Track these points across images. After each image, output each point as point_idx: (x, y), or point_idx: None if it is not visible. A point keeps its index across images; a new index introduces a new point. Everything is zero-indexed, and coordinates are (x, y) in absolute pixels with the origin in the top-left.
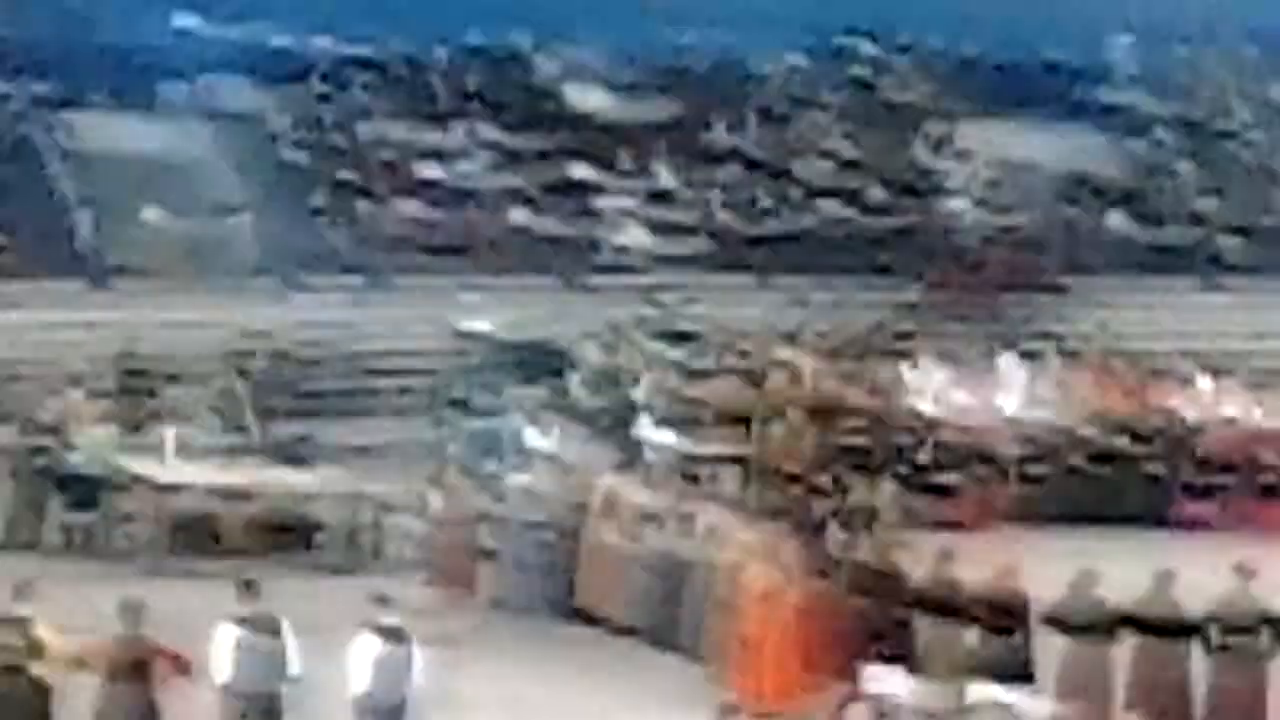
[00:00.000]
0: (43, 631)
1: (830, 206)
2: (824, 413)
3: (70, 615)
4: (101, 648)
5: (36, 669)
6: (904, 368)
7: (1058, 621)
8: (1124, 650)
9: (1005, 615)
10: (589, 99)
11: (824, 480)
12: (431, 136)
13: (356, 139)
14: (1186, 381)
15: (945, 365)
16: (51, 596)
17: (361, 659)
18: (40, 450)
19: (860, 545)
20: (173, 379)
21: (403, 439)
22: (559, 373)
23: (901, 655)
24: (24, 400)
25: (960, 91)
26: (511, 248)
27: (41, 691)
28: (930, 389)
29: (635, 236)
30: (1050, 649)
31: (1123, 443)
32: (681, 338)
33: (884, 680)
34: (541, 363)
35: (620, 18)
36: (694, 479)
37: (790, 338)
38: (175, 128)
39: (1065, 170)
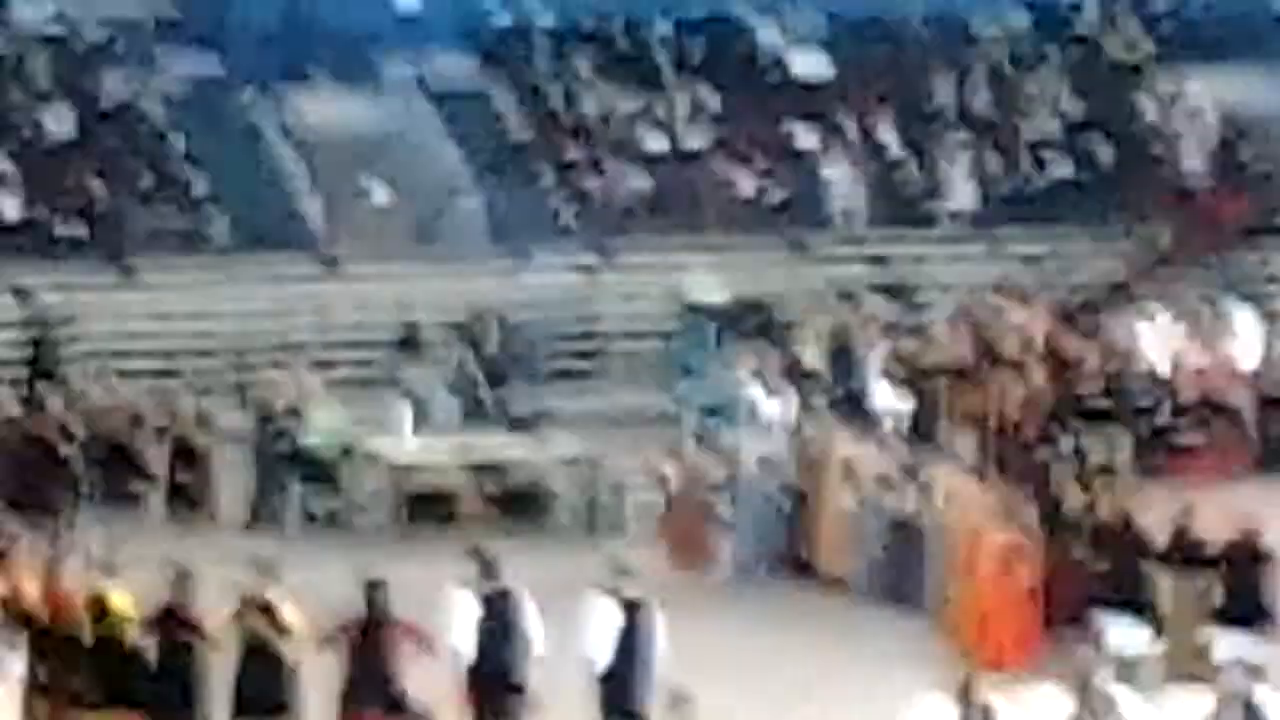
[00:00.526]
0: (286, 611)
1: (1059, 165)
2: (1059, 372)
3: (313, 594)
4: (344, 625)
5: (281, 647)
6: (1138, 323)
7: None
8: None
9: (1247, 567)
10: (810, 64)
11: (1062, 441)
12: (655, 108)
13: (580, 113)
14: None
15: (1179, 319)
16: (294, 576)
17: (601, 628)
18: (279, 434)
19: (1099, 504)
20: (406, 356)
21: (637, 409)
22: (787, 339)
23: (1142, 609)
24: (260, 383)
25: (1186, 44)
26: (737, 215)
27: (286, 669)
28: (1165, 344)
29: (859, 199)
30: None
31: None
32: (911, 300)
33: (1126, 635)
34: (770, 329)
35: None
36: (930, 443)
37: (1023, 297)
38: (400, 106)
39: None
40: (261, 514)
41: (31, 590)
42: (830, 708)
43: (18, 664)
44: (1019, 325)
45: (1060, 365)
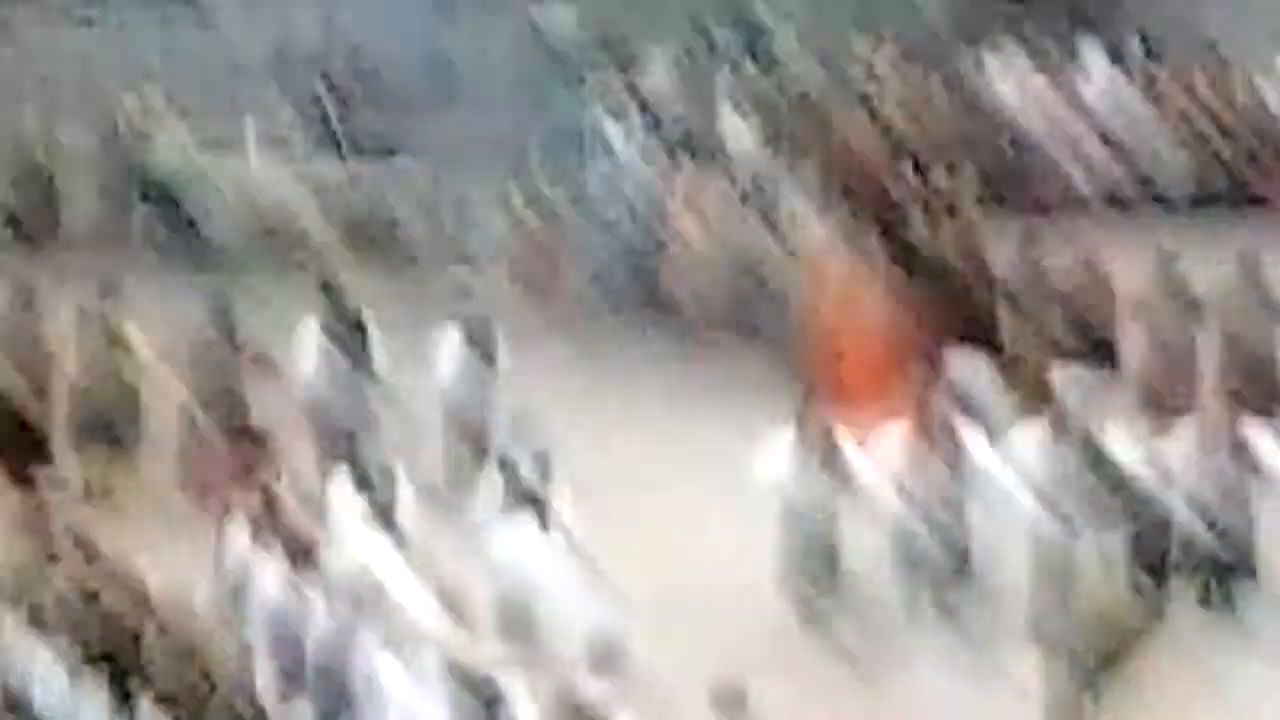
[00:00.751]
0: (131, 332)
1: None
2: (905, 103)
3: (159, 317)
4: (190, 348)
5: (123, 366)
6: (986, 57)
7: (1142, 306)
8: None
9: (1091, 301)
10: None
11: (904, 168)
12: None
13: None
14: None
15: (1026, 56)
16: (140, 299)
17: (446, 351)
18: (124, 154)
19: (945, 236)
20: (251, 75)
21: (484, 134)
22: (638, 69)
23: (986, 343)
24: (105, 102)
25: None
26: None
27: (128, 387)
28: (1011, 79)
29: None
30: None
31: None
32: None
33: (968, 369)
34: (622, 58)
35: None
36: (777, 170)
37: (870, 30)
38: None
39: None
40: (107, 236)
41: None
42: (672, 433)
43: None
44: (862, 56)
45: (904, 98)
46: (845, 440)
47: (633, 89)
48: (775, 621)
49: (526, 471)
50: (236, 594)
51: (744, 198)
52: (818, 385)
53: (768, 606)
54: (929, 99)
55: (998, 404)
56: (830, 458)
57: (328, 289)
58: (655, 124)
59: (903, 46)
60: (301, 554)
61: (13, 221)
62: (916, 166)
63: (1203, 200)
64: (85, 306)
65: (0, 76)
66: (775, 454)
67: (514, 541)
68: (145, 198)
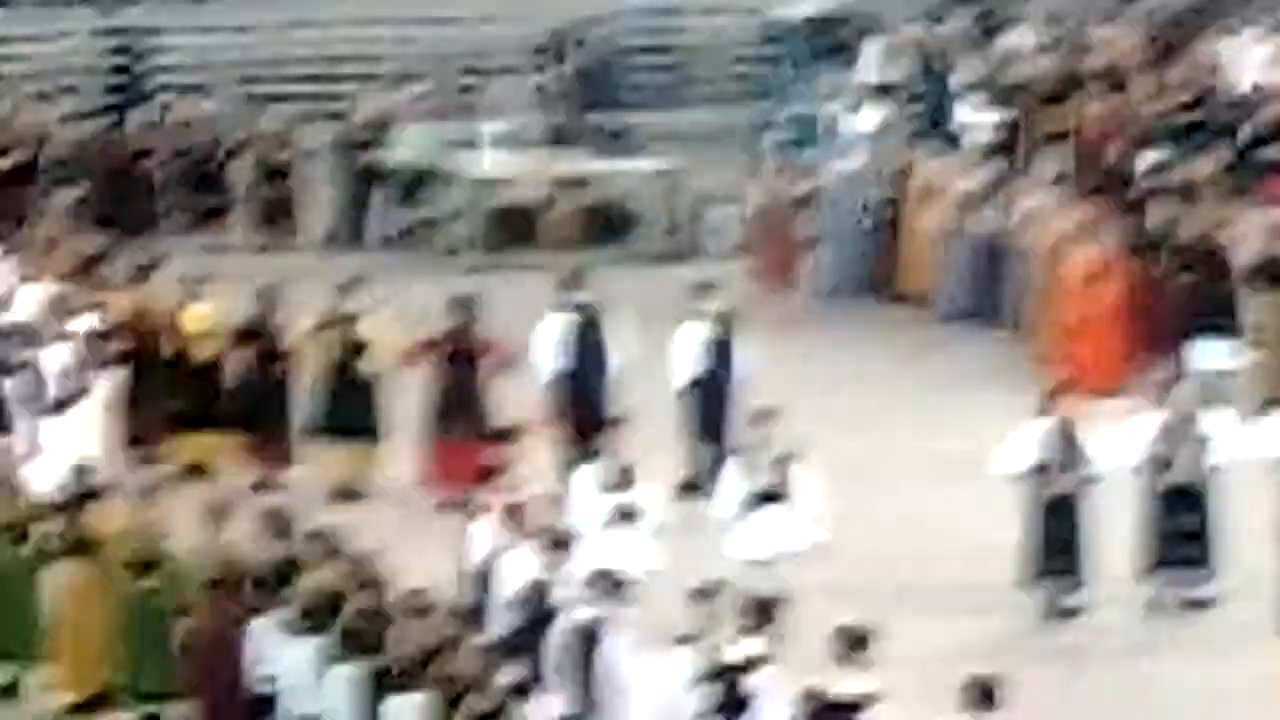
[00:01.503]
0: (369, 327)
1: None
2: (1145, 90)
3: (397, 311)
4: (428, 340)
5: (363, 364)
6: (1225, 41)
7: None
8: None
9: None
10: None
11: (1147, 159)
12: None
13: None
14: None
15: (1265, 38)
16: (378, 293)
17: (687, 346)
18: (362, 151)
19: (1184, 223)
20: (490, 72)
21: (719, 126)
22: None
23: (1228, 331)
24: (343, 99)
25: None
26: None
27: (369, 384)
28: (1251, 63)
29: None
30: None
31: None
32: (995, 16)
33: (1210, 355)
34: (855, 44)
35: None
36: (1013, 160)
37: (1109, 17)
38: None
39: None
40: (345, 232)
41: (121, 307)
42: (912, 425)
43: (108, 379)
44: (1106, 42)
45: (1146, 83)
46: (1088, 430)
47: (867, 73)
48: (1021, 615)
49: (769, 467)
50: (482, 591)
51: (982, 187)
52: (1058, 374)
53: (1013, 600)
54: (1170, 84)
55: (1239, 392)
56: (1073, 447)
57: (568, 285)
58: (892, 115)
59: (1144, 29)
60: (547, 551)
61: (255, 222)
62: (1154, 149)
63: None
64: (326, 306)
65: (239, 79)
66: (1017, 445)
67: (757, 537)
68: (384, 197)
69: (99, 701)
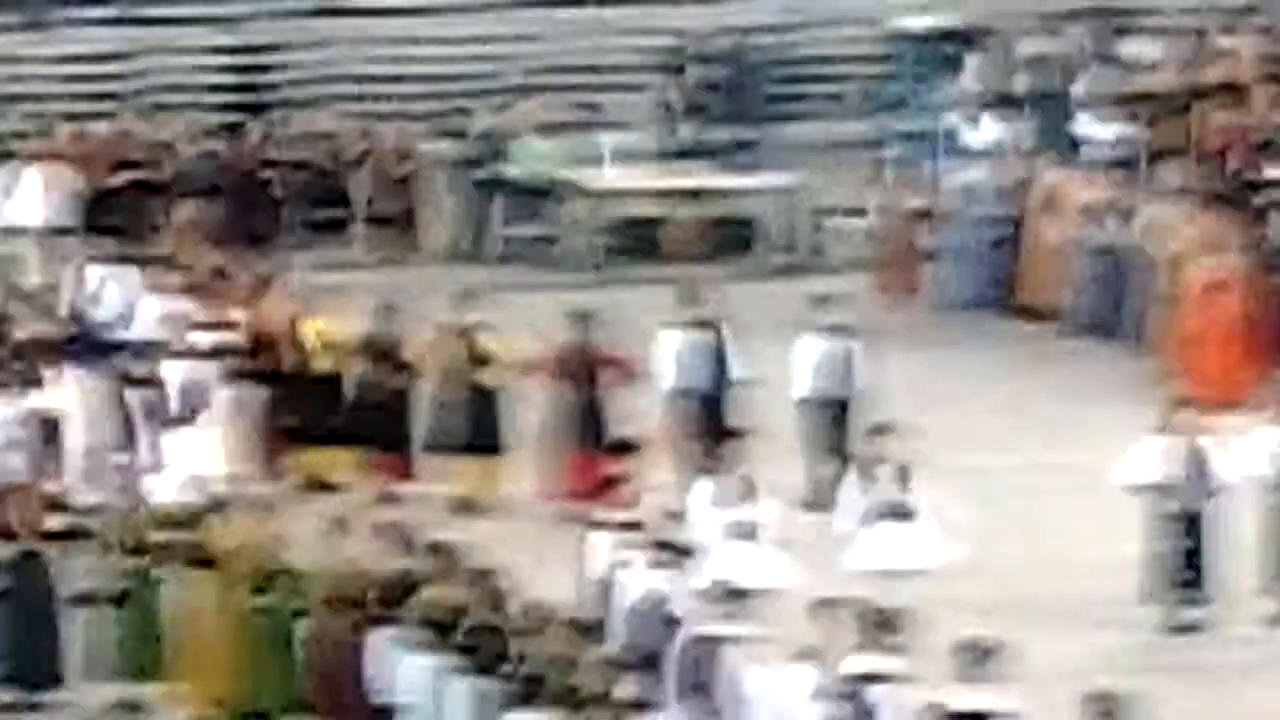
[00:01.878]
0: (489, 339)
1: None
2: (1268, 100)
3: (518, 324)
4: (549, 354)
5: (483, 375)
6: None
7: None
8: None
9: None
10: None
11: (1270, 170)
12: None
13: None
14: None
15: None
16: (498, 306)
17: (805, 359)
18: (482, 163)
19: None
20: (609, 86)
21: (840, 139)
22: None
23: None
24: (462, 112)
25: None
26: None
27: (490, 398)
28: None
29: None
30: None
31: None
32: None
33: None
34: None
35: None
36: (1135, 172)
37: (1229, 28)
38: None
39: None
40: (465, 245)
41: (241, 321)
42: (1036, 438)
43: (229, 392)
44: (1228, 53)
45: (1268, 92)
46: (1211, 443)
47: (988, 85)
48: (1145, 629)
49: (889, 480)
50: (602, 604)
51: (1104, 199)
52: (1181, 387)
53: (1137, 614)
54: None
55: None
56: (1196, 461)
57: (689, 299)
58: (1013, 126)
59: (1266, 40)
60: (667, 564)
61: (375, 235)
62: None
63: None
64: (446, 318)
65: (359, 93)
66: (1140, 459)
67: (879, 551)
68: (505, 210)
69: (218, 715)
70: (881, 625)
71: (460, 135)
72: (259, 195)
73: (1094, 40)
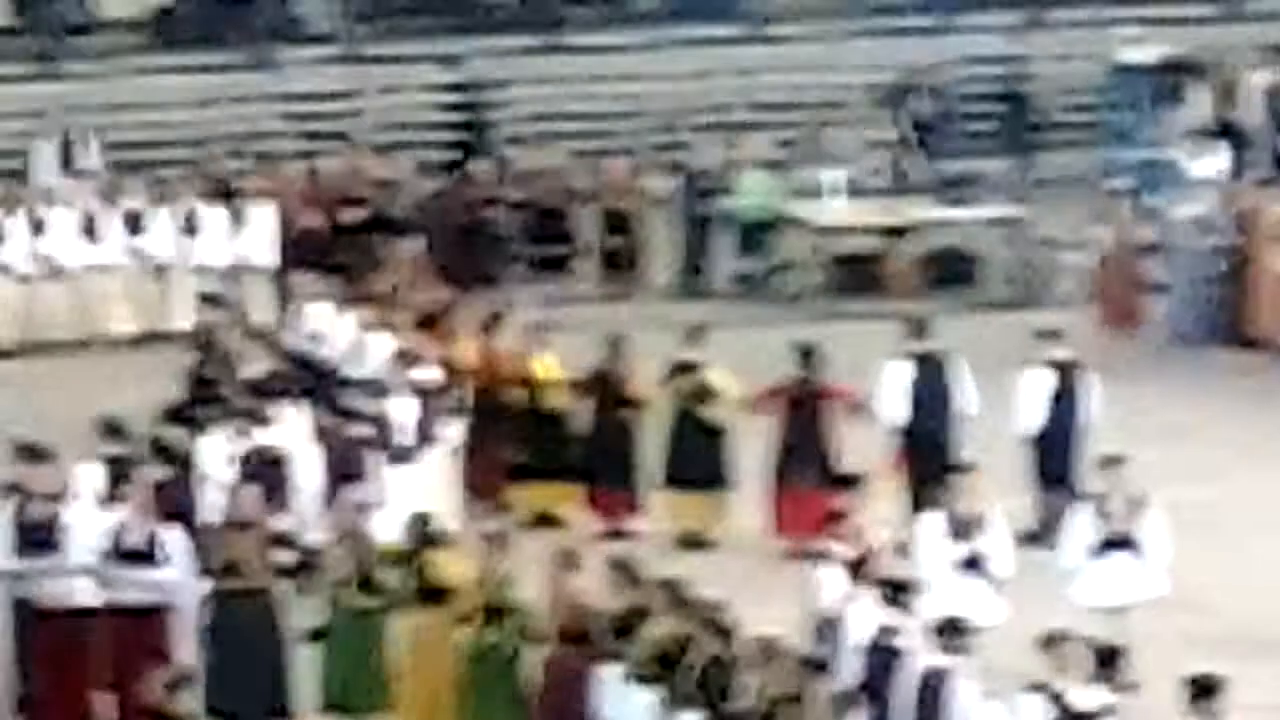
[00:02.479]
0: (717, 376)
1: None
2: None
3: (743, 359)
4: (775, 389)
5: (711, 412)
6: None
7: None
8: None
9: None
10: None
11: None
12: None
13: None
14: None
15: None
16: (724, 341)
17: (1033, 393)
18: (706, 199)
19: None
20: (833, 120)
21: (1067, 171)
22: (1221, 98)
23: None
24: (688, 148)
25: None
26: None
27: (716, 433)
28: None
29: None
30: None
31: None
32: None
33: None
34: (1203, 87)
35: None
36: None
37: None
38: None
39: None
40: (688, 280)
41: (468, 357)
42: (1266, 470)
43: (454, 429)
44: None
45: None
46: None
47: (1217, 117)
48: None
49: (1118, 514)
50: (829, 640)
51: None
52: None
53: None
54: None
55: None
56: None
57: (913, 332)
58: (1238, 157)
59: None
60: (895, 599)
61: (600, 271)
62: None
63: None
64: (671, 354)
65: (583, 128)
66: None
67: (1106, 585)
68: (727, 244)
69: None
70: (1107, 660)
71: (683, 170)
72: (484, 232)
73: None
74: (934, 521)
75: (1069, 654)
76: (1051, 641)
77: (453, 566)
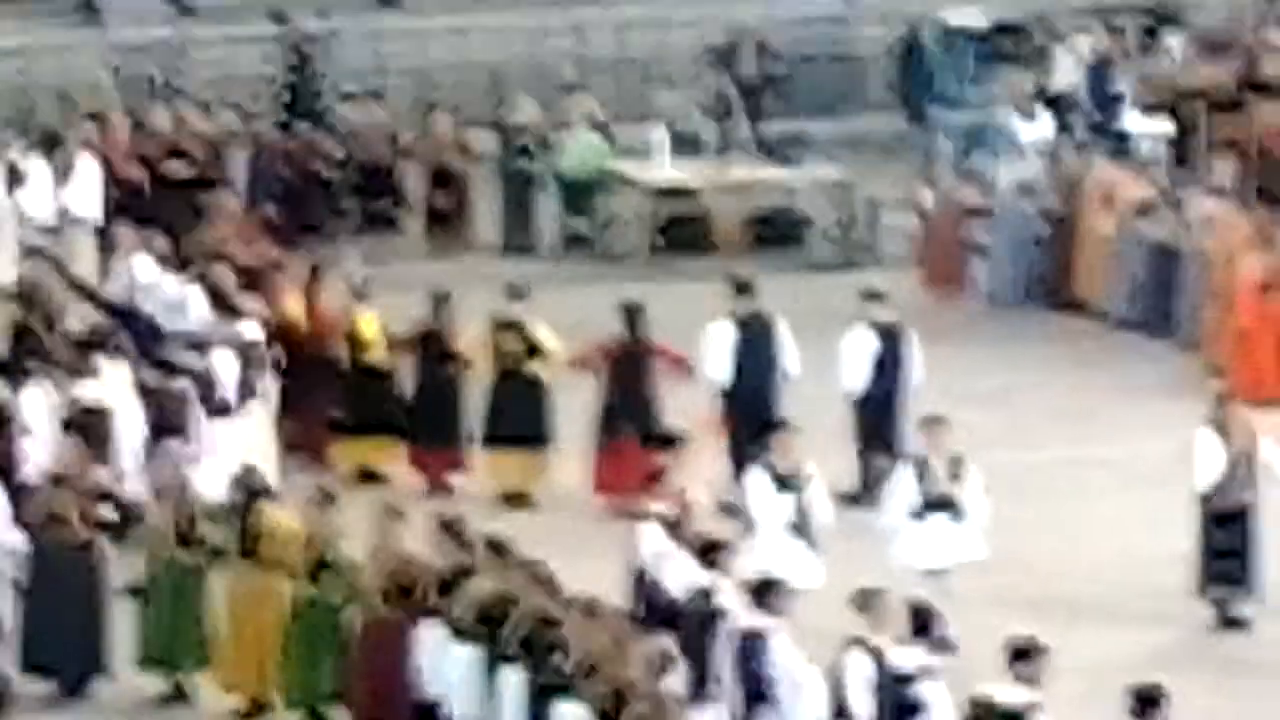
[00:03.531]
0: (541, 333)
1: None
2: None
3: (568, 318)
4: (599, 347)
5: (533, 369)
6: None
7: None
8: None
9: None
10: None
11: None
12: None
13: None
14: None
15: None
16: (549, 300)
17: (856, 354)
18: (529, 157)
19: None
20: (662, 79)
21: (892, 134)
22: (1046, 63)
23: None
24: (513, 107)
25: None
26: None
27: (537, 391)
28: None
29: None
30: None
31: None
32: (1172, 21)
33: None
34: (1029, 52)
35: None
36: (1189, 169)
37: None
38: None
39: None
40: (514, 238)
41: (291, 312)
42: (1084, 434)
43: (273, 385)
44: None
45: None
46: (1259, 440)
47: (1041, 82)
48: (1189, 625)
49: (939, 475)
50: (648, 598)
51: (1156, 195)
52: (1230, 384)
53: (1182, 610)
54: None
55: None
56: (1244, 458)
57: (740, 290)
58: (1065, 120)
59: None
60: (712, 556)
61: (426, 228)
62: None
63: None
64: (497, 311)
65: (413, 83)
66: (1204, 458)
67: (926, 546)
68: (553, 203)
69: (267, 706)
70: (924, 620)
71: (511, 129)
72: (309, 188)
73: (1146, 35)
74: (760, 478)
75: (885, 613)
76: (867, 600)
77: (277, 521)
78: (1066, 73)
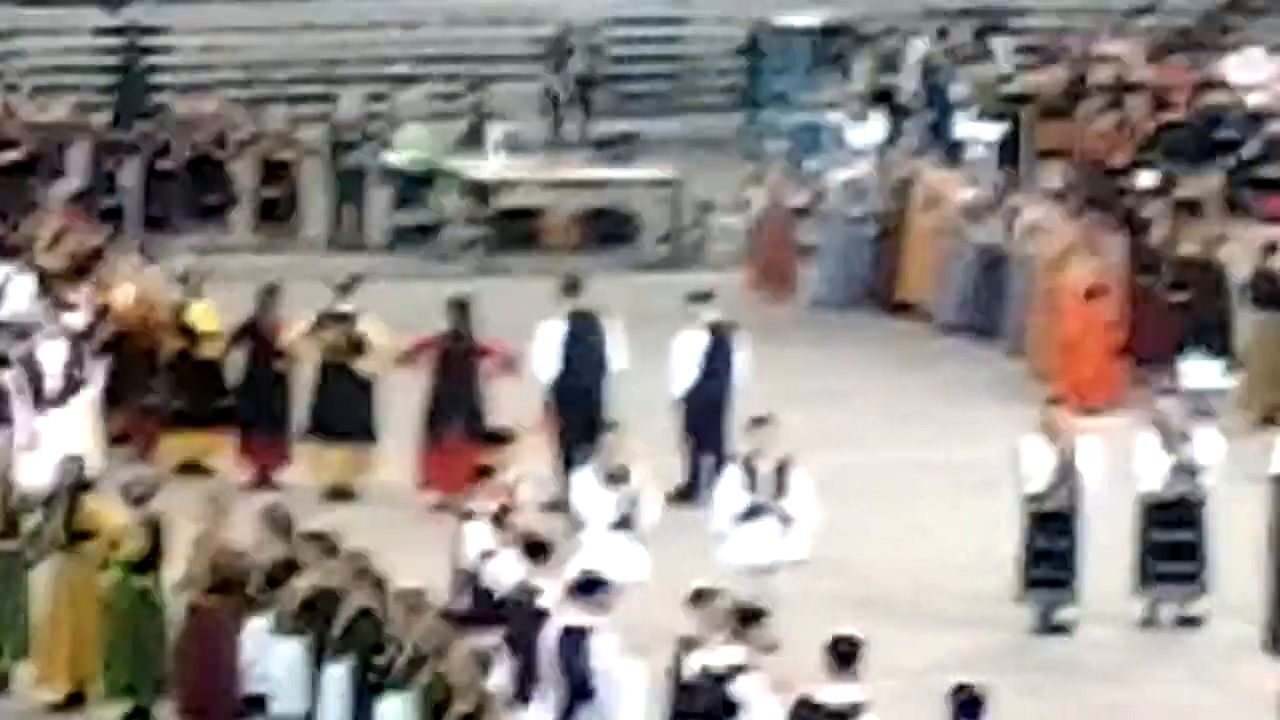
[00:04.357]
0: (366, 326)
1: None
2: (1149, 104)
3: (396, 311)
4: (427, 343)
5: (360, 364)
6: (1232, 57)
7: None
8: None
9: None
10: None
11: (1148, 174)
12: None
13: None
14: None
15: (1273, 53)
16: (377, 293)
17: (685, 354)
18: (357, 150)
19: (1184, 239)
20: (495, 75)
21: (722, 133)
22: (876, 64)
23: (1221, 349)
24: (335, 98)
25: None
26: None
27: (363, 385)
28: (1258, 80)
29: None
30: None
31: None
32: (1000, 28)
33: (1204, 370)
34: (859, 53)
35: None
36: (1016, 173)
37: (1115, 31)
38: None
39: None
40: (344, 232)
41: (121, 303)
42: (911, 437)
43: (99, 375)
44: (1111, 55)
45: (1151, 98)
46: (1082, 444)
47: (871, 83)
48: (1013, 628)
49: (765, 476)
50: (473, 594)
51: (984, 199)
52: (1055, 388)
53: (1006, 613)
54: (1173, 100)
55: (1229, 410)
56: (1067, 462)
57: (569, 288)
58: (894, 125)
59: (1149, 44)
60: (536, 555)
61: (255, 220)
62: (1156, 164)
63: None
64: (324, 306)
65: (243, 78)
66: (1030, 461)
67: (752, 545)
68: (384, 197)
69: (87, 697)
70: (745, 619)
71: (340, 122)
72: (147, 179)
73: (976, 41)
74: (587, 477)
75: (714, 613)
76: (700, 599)
77: (102, 511)
78: (897, 76)
